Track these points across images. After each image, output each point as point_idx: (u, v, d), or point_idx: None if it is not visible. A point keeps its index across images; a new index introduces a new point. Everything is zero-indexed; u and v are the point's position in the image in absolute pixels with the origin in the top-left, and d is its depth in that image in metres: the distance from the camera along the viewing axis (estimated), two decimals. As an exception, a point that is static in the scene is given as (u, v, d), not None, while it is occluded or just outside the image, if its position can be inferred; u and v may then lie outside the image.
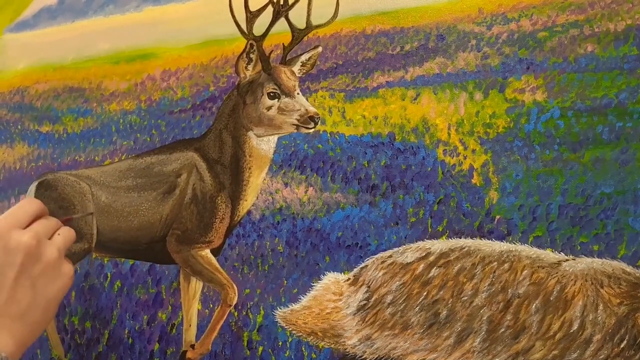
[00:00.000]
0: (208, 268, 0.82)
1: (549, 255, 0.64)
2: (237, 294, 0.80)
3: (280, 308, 0.76)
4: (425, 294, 0.67)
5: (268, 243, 0.79)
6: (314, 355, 0.73)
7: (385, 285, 0.69)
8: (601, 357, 0.59)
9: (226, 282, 0.81)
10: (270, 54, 0.81)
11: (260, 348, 0.76)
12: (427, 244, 0.69)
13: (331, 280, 0.73)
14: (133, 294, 0.87)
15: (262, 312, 0.77)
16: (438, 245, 0.68)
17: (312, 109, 0.77)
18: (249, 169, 0.81)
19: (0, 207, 1.04)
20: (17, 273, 0.63)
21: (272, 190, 0.80)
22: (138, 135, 0.92)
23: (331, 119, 0.77)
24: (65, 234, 0.70)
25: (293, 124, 0.78)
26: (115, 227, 0.87)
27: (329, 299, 0.72)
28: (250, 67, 0.81)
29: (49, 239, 0.68)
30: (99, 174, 0.90)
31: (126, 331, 0.86)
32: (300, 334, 0.73)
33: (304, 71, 0.80)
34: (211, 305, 0.81)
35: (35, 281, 0.64)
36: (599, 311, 0.60)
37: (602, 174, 0.62)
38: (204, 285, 0.83)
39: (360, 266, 0.72)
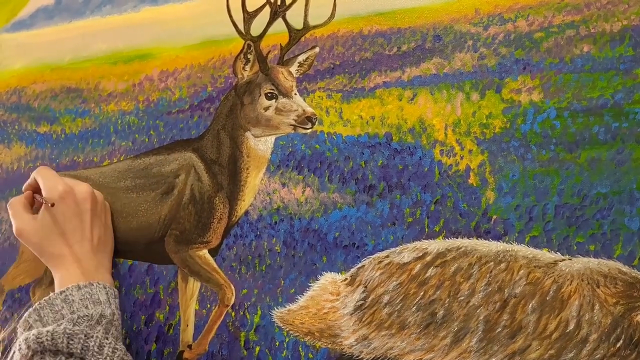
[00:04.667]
0: (206, 268, 0.82)
1: (546, 255, 0.64)
2: (234, 294, 0.80)
3: (277, 308, 0.76)
4: (422, 294, 0.67)
5: (265, 243, 0.79)
6: (311, 356, 0.73)
7: (382, 285, 0.69)
8: (597, 356, 0.59)
9: (223, 282, 0.81)
10: (267, 54, 0.81)
11: (258, 348, 0.76)
12: (424, 244, 0.69)
13: (328, 280, 0.73)
14: (131, 294, 0.87)
15: (259, 312, 0.77)
16: (435, 245, 0.68)
17: (309, 110, 0.77)
18: (247, 169, 0.81)
19: (-2, 207, 1.04)
20: (90, 217, 0.78)
21: (270, 190, 0.80)
22: (136, 135, 0.92)
23: (328, 120, 0.77)
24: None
25: (290, 125, 0.78)
26: (114, 227, 0.87)
27: (326, 299, 0.72)
28: (247, 67, 0.81)
29: None
30: (97, 174, 0.90)
31: (124, 331, 0.86)
32: (298, 334, 0.73)
33: (302, 71, 0.80)
34: (208, 306, 0.81)
35: (99, 216, 0.81)
36: (595, 311, 0.60)
37: (598, 174, 0.63)
38: (202, 285, 0.83)
39: (357, 266, 0.72)
